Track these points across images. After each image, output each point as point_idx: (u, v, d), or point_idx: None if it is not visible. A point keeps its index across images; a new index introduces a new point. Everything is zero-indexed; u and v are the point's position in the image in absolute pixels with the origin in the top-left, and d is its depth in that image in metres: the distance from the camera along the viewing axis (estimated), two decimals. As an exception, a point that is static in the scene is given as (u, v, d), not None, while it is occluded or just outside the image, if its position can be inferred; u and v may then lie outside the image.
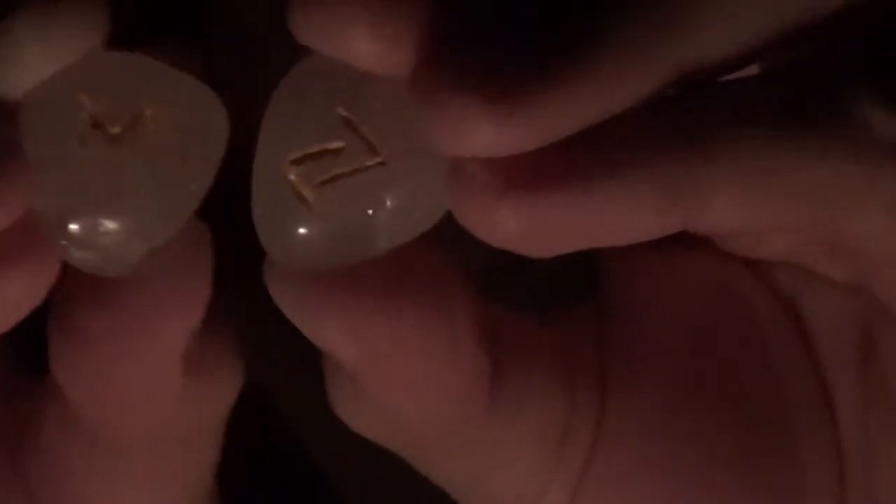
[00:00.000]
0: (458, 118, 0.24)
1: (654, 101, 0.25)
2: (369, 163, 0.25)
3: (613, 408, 0.29)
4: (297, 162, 0.25)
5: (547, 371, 0.29)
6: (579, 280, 0.31)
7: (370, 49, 0.25)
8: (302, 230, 0.26)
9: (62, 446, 0.30)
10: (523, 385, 0.28)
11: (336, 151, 0.25)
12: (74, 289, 0.27)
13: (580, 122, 0.24)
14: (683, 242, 0.29)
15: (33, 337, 0.28)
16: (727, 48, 0.25)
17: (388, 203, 0.25)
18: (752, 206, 0.25)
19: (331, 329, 0.26)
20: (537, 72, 0.24)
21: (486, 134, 0.24)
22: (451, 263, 0.27)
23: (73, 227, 0.26)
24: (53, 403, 0.29)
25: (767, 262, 0.30)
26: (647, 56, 0.25)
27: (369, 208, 0.25)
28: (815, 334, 0.29)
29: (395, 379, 0.27)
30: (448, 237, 0.26)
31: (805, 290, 0.29)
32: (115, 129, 0.26)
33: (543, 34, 0.24)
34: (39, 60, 0.25)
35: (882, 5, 0.26)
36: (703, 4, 0.25)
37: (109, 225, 0.26)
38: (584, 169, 0.24)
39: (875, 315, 0.29)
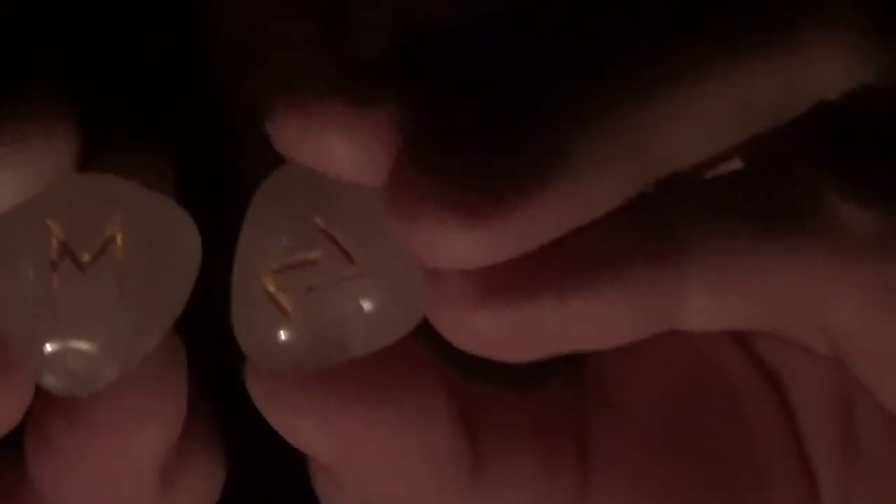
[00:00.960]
0: (433, 232, 0.24)
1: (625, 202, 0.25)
2: (347, 272, 0.26)
3: (595, 478, 0.29)
4: (276, 272, 0.26)
5: (527, 448, 0.29)
6: None
7: (346, 159, 0.25)
8: (281, 337, 0.26)
9: None
10: (504, 467, 0.28)
11: (314, 261, 0.26)
12: (48, 400, 0.26)
13: (553, 233, 0.25)
14: None
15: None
16: (694, 154, 0.26)
17: (366, 311, 0.26)
18: (726, 306, 0.26)
19: (307, 431, 0.26)
20: (511, 184, 0.24)
21: (461, 247, 0.24)
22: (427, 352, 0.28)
23: (45, 352, 0.26)
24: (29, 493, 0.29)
25: (749, 332, 0.30)
26: (618, 166, 0.25)
27: (347, 316, 0.26)
28: (796, 405, 0.29)
29: (373, 473, 0.27)
30: None
31: (786, 360, 0.30)
32: (85, 256, 0.26)
33: (516, 143, 0.25)
34: (8, 189, 0.25)
35: (847, 102, 0.26)
36: (669, 114, 0.25)
37: (81, 350, 0.26)
38: (558, 278, 0.25)
39: (855, 390, 0.29)
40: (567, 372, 0.30)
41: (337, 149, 0.25)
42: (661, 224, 0.25)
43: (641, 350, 0.30)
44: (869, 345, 0.27)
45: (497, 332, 0.25)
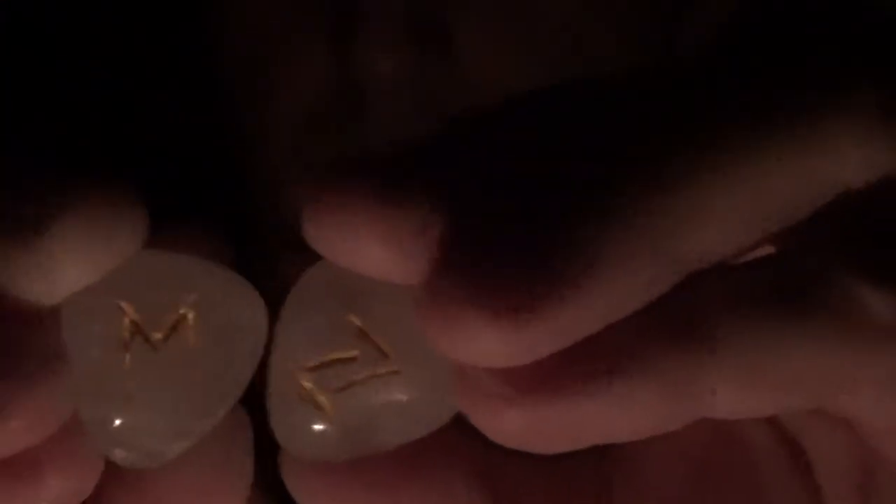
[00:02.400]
0: (464, 333, 0.24)
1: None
2: (382, 370, 0.26)
3: None
4: (312, 370, 0.26)
5: None
6: None
7: (380, 260, 0.25)
8: (315, 432, 0.26)
9: None
10: None
11: (349, 360, 0.26)
12: (113, 478, 0.27)
13: (583, 333, 0.25)
14: None
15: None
16: (721, 249, 0.26)
17: (399, 407, 0.26)
18: (753, 396, 0.26)
19: None
20: (542, 288, 0.24)
21: (492, 348, 0.24)
22: (457, 435, 0.28)
23: (116, 428, 0.26)
24: None
25: None
26: (646, 266, 0.25)
27: (382, 413, 0.26)
28: (816, 471, 0.29)
29: None
30: None
31: (807, 426, 0.30)
32: (157, 335, 0.26)
33: (546, 246, 0.25)
34: (79, 272, 0.26)
35: (870, 190, 0.27)
36: (695, 212, 0.25)
37: (151, 426, 0.26)
38: (589, 375, 0.25)
39: (876, 459, 0.29)
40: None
41: (372, 249, 0.25)
42: (688, 318, 0.26)
43: None
44: (887, 425, 0.27)
45: (529, 428, 0.25)
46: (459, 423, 0.28)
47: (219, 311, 0.27)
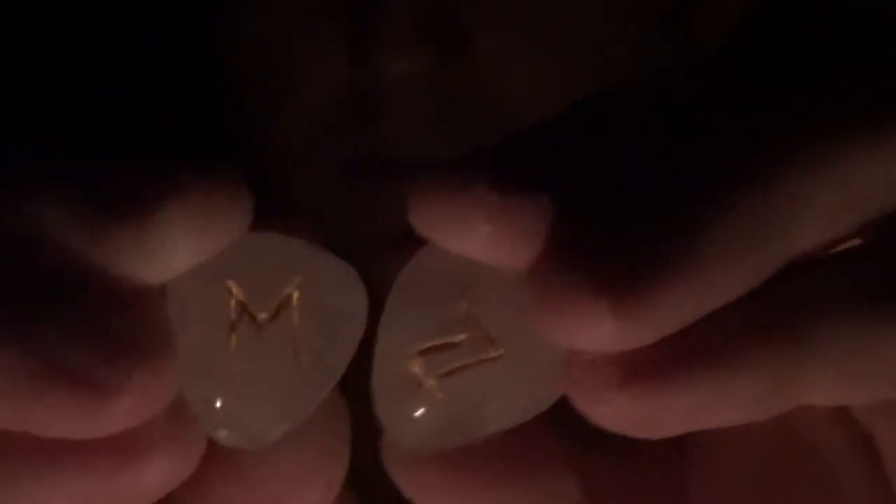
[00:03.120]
0: (576, 318, 0.25)
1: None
2: (489, 355, 0.26)
3: None
4: (420, 354, 0.26)
5: None
6: None
7: (487, 245, 0.25)
8: (421, 417, 0.27)
9: None
10: None
11: (457, 344, 0.26)
12: (213, 461, 0.27)
13: (693, 317, 0.25)
14: None
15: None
16: (820, 239, 0.26)
17: (505, 392, 0.26)
18: (852, 384, 0.26)
19: None
20: (654, 271, 0.25)
21: (604, 333, 0.25)
22: (555, 432, 0.28)
23: (220, 408, 0.26)
24: None
25: None
26: (750, 255, 0.25)
27: (487, 398, 0.26)
28: (887, 463, 0.30)
29: None
30: None
31: (880, 418, 0.30)
32: (263, 316, 0.27)
33: (655, 233, 0.25)
34: (189, 252, 0.26)
35: None
36: (797, 202, 0.26)
37: (254, 407, 0.27)
38: (695, 361, 0.25)
39: None
40: (666, 443, 0.31)
41: (479, 232, 0.25)
42: (791, 309, 0.26)
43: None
44: None
45: (634, 413, 0.25)
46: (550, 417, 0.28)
47: (322, 293, 0.27)
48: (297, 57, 0.40)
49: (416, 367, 0.26)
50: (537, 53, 0.40)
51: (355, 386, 0.28)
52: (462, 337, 0.26)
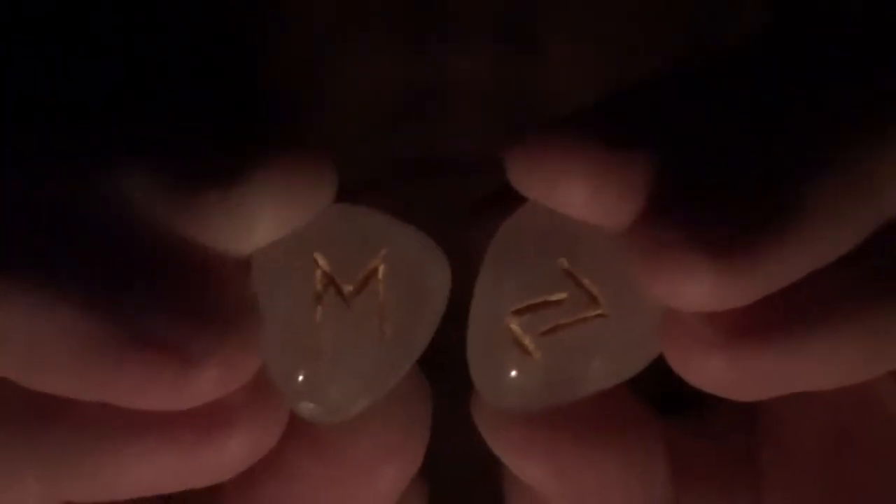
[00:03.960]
0: (683, 275, 0.24)
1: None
2: (590, 313, 0.26)
3: None
4: (519, 312, 0.26)
5: (711, 486, 0.29)
6: None
7: (590, 200, 0.25)
8: (519, 377, 0.26)
9: None
10: (693, 502, 0.29)
11: (557, 303, 0.26)
12: (292, 434, 0.27)
13: (798, 274, 0.25)
14: None
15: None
16: None
17: (604, 352, 0.26)
18: None
19: (539, 471, 0.27)
20: (758, 228, 0.24)
21: (709, 290, 0.24)
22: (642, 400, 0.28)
23: (303, 381, 0.26)
24: None
25: None
26: (854, 211, 0.25)
27: (587, 357, 0.26)
28: None
29: None
30: None
31: None
32: (349, 288, 0.26)
33: (761, 190, 0.25)
34: (276, 223, 0.25)
35: None
36: None
37: (339, 380, 0.26)
38: (798, 323, 0.25)
39: None
40: (737, 412, 0.31)
41: (581, 189, 0.25)
42: (889, 268, 0.26)
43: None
44: None
45: (732, 374, 0.25)
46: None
47: (407, 267, 0.26)
48: (351, 51, 0.39)
49: (515, 326, 0.26)
50: (601, 53, 0.40)
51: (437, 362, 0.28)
52: (562, 295, 0.26)
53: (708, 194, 0.25)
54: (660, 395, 0.29)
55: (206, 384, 0.25)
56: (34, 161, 0.25)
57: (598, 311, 0.26)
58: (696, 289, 0.24)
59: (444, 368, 0.27)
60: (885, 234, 0.26)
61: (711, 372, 0.25)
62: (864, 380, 0.26)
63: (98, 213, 0.25)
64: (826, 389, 0.26)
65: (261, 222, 0.25)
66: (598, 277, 0.26)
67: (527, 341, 0.26)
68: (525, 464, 0.27)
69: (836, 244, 0.25)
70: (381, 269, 0.26)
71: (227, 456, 0.25)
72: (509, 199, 0.27)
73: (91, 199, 0.25)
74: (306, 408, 0.26)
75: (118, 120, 0.26)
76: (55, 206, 0.25)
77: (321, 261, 0.26)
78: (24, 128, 0.26)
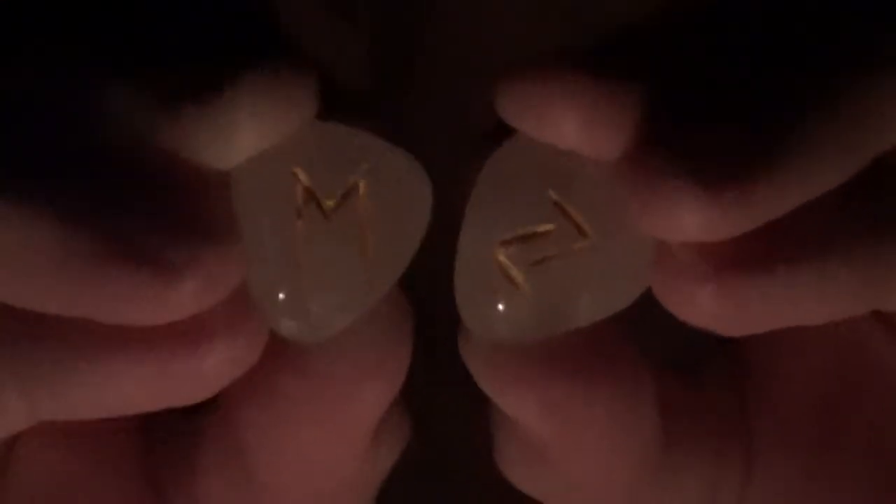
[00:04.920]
0: (673, 204, 0.24)
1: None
2: (578, 245, 0.26)
3: (758, 473, 0.30)
4: (507, 244, 0.26)
5: (701, 440, 0.29)
6: None
7: (580, 132, 0.25)
8: (507, 309, 0.26)
9: (221, 499, 0.30)
10: (685, 450, 0.29)
11: (546, 234, 0.26)
12: (273, 353, 0.26)
13: (788, 206, 0.25)
14: None
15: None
16: None
17: (593, 284, 0.26)
18: None
19: (528, 405, 0.27)
20: (749, 158, 0.24)
21: (700, 220, 0.24)
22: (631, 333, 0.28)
23: (284, 297, 0.26)
24: (215, 454, 0.29)
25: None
26: (844, 142, 0.25)
27: (575, 289, 0.26)
28: None
29: (583, 449, 0.27)
30: None
31: None
32: (329, 203, 0.26)
33: (751, 121, 0.25)
34: (256, 135, 0.25)
35: None
36: (888, 102, 0.26)
37: (319, 296, 0.26)
38: (788, 255, 0.25)
39: None
40: (729, 369, 0.31)
41: (571, 123, 0.25)
42: (883, 203, 0.26)
43: (799, 345, 0.30)
44: None
45: (722, 307, 0.25)
46: None
47: (388, 183, 0.26)
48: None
49: (503, 257, 0.26)
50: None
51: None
52: (550, 227, 0.26)
53: (699, 126, 0.25)
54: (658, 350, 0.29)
55: (186, 296, 0.24)
56: (14, 73, 0.25)
57: (587, 243, 0.26)
58: (686, 219, 0.24)
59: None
60: (878, 168, 0.26)
61: (700, 304, 0.25)
62: (853, 315, 0.26)
63: (78, 126, 0.25)
64: (815, 324, 0.26)
65: (240, 134, 0.25)
66: (588, 209, 0.26)
67: (515, 273, 0.26)
68: (513, 399, 0.27)
69: (828, 176, 0.25)
70: (362, 185, 0.26)
71: (206, 371, 0.25)
72: (506, 133, 0.26)
73: (70, 112, 0.25)
74: (286, 325, 0.26)
75: (98, 31, 0.26)
76: (35, 119, 0.25)
77: (301, 176, 0.26)
78: (2, 39, 0.26)
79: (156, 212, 0.24)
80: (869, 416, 0.30)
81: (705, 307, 0.25)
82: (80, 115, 0.25)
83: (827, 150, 0.25)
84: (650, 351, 0.28)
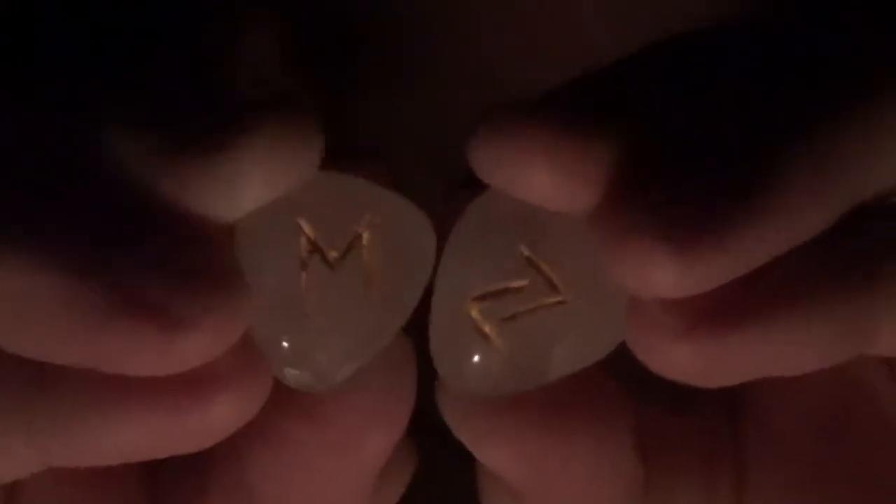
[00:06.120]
0: (643, 261, 0.24)
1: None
2: (550, 301, 0.26)
3: (749, 501, 0.29)
4: (479, 299, 0.26)
5: (690, 470, 0.29)
6: None
7: (551, 188, 0.25)
8: (481, 363, 0.26)
9: None
10: (670, 487, 0.29)
11: (519, 289, 0.26)
12: (281, 400, 0.27)
13: (760, 261, 0.25)
14: None
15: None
16: (891, 183, 0.26)
17: (566, 338, 0.26)
18: None
19: (503, 457, 0.27)
20: (720, 214, 0.24)
21: (670, 276, 0.24)
22: (609, 377, 0.28)
23: (289, 347, 0.26)
24: (222, 494, 0.29)
25: None
26: (820, 195, 0.25)
27: (548, 344, 0.26)
28: None
29: (559, 493, 0.27)
30: None
31: None
32: (333, 254, 0.26)
33: (722, 175, 0.25)
34: (262, 188, 0.25)
35: None
36: (867, 143, 0.25)
37: (323, 346, 0.26)
38: (762, 308, 0.25)
39: None
40: (722, 396, 0.30)
41: (541, 176, 0.25)
42: (858, 257, 0.25)
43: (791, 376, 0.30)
44: None
45: (698, 362, 0.25)
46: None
47: (392, 234, 0.26)
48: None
49: (476, 313, 0.26)
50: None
51: (421, 329, 0.28)
52: (523, 282, 0.26)
53: (671, 180, 0.25)
54: (648, 378, 0.28)
55: (193, 349, 0.25)
56: (21, 118, 0.25)
57: (559, 298, 0.26)
58: (659, 276, 0.24)
59: None
60: (855, 216, 0.26)
61: (675, 360, 0.25)
62: (833, 364, 0.26)
63: (86, 177, 0.25)
64: (796, 374, 0.26)
65: (246, 188, 0.25)
66: (561, 262, 0.26)
67: (487, 328, 0.26)
68: (488, 451, 0.27)
69: (803, 228, 0.25)
70: (366, 235, 0.26)
71: (212, 420, 0.25)
72: (481, 182, 0.26)
73: (79, 162, 0.25)
74: (292, 374, 0.26)
75: (107, 80, 0.26)
76: (40, 166, 0.25)
77: (305, 227, 0.26)
78: (11, 83, 0.26)
79: (163, 264, 0.25)
80: (859, 444, 0.30)
81: (681, 363, 0.25)
82: (86, 163, 0.25)
83: (801, 204, 0.25)
84: (638, 379, 0.28)
